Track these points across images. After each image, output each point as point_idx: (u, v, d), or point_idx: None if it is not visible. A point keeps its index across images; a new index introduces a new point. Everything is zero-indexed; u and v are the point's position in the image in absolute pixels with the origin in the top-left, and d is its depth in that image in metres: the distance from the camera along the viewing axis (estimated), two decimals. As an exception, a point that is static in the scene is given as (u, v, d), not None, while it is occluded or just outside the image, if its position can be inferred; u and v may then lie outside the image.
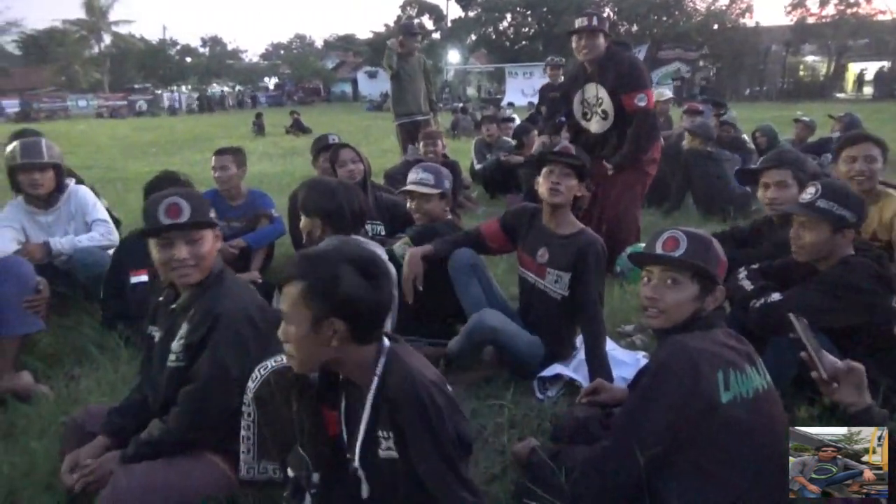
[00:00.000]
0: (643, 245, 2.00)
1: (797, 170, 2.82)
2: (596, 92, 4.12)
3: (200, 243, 1.96)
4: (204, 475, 1.92)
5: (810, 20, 34.06)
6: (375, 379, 1.54)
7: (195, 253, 1.94)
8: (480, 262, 2.94)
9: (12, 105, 33.25)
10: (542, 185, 2.76)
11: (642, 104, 3.95)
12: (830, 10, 33.35)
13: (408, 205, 3.23)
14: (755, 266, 2.56)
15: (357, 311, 1.52)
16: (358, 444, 1.57)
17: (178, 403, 1.91)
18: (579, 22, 4.03)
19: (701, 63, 34.18)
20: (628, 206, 4.19)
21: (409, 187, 3.16)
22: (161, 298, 2.12)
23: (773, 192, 2.86)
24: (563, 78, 7.79)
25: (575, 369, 2.74)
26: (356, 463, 1.58)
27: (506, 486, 2.01)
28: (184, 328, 1.98)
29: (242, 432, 1.75)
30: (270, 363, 1.69)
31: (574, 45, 4.09)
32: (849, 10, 32.63)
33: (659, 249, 1.76)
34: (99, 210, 3.73)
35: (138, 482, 1.81)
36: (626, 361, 2.86)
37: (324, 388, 1.71)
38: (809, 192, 2.33)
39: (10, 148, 3.43)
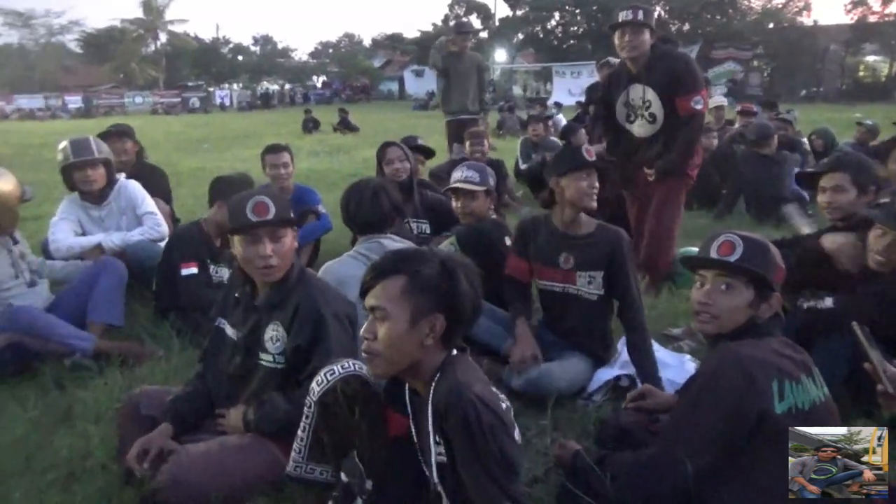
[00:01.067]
0: (695, 249, 1.96)
1: (857, 174, 2.70)
2: (643, 94, 3.78)
3: (283, 241, 2.02)
4: (259, 460, 1.97)
5: (872, 19, 32.85)
6: (432, 386, 1.54)
7: (278, 250, 2.00)
8: None
9: (75, 101, 34.56)
10: (573, 190, 2.62)
11: (699, 107, 3.64)
12: (893, 8, 32.17)
13: (453, 203, 3.21)
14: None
15: (461, 311, 1.52)
16: (433, 462, 1.55)
17: (300, 398, 1.85)
18: (623, 15, 3.68)
19: (755, 63, 33.32)
20: (673, 217, 3.89)
21: (454, 185, 3.14)
22: (237, 294, 2.19)
23: (829, 196, 2.73)
24: None
25: (621, 368, 2.72)
26: (435, 479, 1.56)
27: (549, 489, 2.00)
28: (276, 329, 2.04)
29: (298, 432, 1.77)
30: (337, 369, 1.67)
31: (617, 41, 3.75)
32: (914, 8, 31.44)
33: (714, 254, 1.71)
34: (148, 203, 3.86)
35: (199, 461, 1.89)
36: (669, 363, 2.81)
37: (393, 390, 1.71)
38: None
39: (61, 147, 3.57)
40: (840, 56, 34.14)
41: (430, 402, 1.52)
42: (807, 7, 34.47)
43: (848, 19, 34.04)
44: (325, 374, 1.69)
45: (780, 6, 34.73)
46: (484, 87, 7.09)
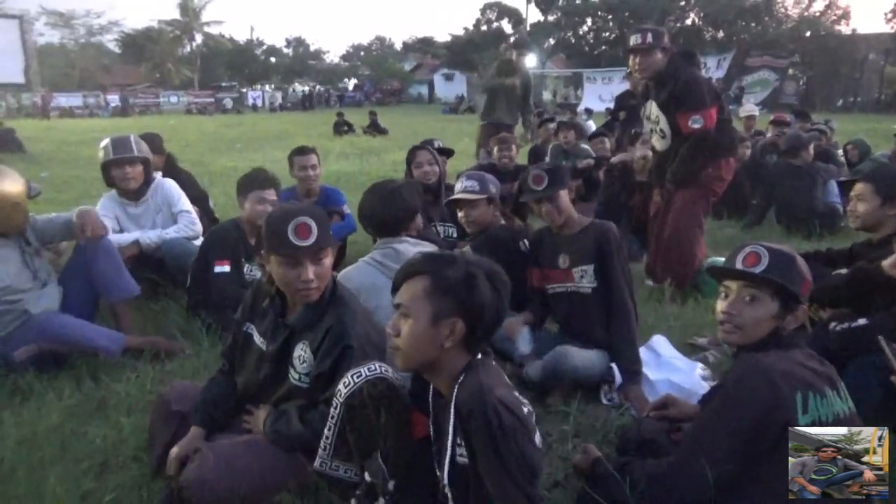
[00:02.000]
0: (722, 259, 1.96)
1: (881, 184, 2.72)
2: (654, 110, 3.90)
3: (324, 263, 1.97)
4: (283, 461, 1.99)
5: (913, 28, 32.15)
6: (456, 388, 1.56)
7: (319, 273, 1.96)
8: None
9: (113, 100, 35.37)
10: (537, 212, 2.88)
11: (697, 126, 3.65)
12: (936, 17, 31.42)
13: (458, 214, 3.24)
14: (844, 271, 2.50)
15: (481, 317, 1.56)
16: (446, 463, 1.58)
17: (315, 420, 1.93)
18: (633, 40, 3.82)
19: (790, 71, 32.77)
20: (688, 225, 3.89)
21: (454, 196, 3.19)
22: (265, 304, 2.14)
23: (852, 205, 2.82)
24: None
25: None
26: (445, 481, 1.59)
27: (569, 494, 2.02)
28: (304, 350, 2.01)
29: (325, 430, 1.79)
30: (364, 371, 1.69)
31: (630, 63, 3.90)
32: (957, 18, 30.66)
33: (739, 264, 1.71)
34: (184, 202, 3.95)
35: (224, 461, 1.91)
36: (680, 367, 2.86)
37: (417, 392, 1.75)
38: None
39: (102, 145, 3.68)
40: (879, 66, 33.41)
41: (452, 403, 1.54)
42: (846, 15, 33.85)
43: (888, 28, 33.35)
44: (351, 377, 1.71)
45: (817, 14, 34.12)
46: (529, 106, 7.21)
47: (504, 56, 6.94)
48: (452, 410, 1.55)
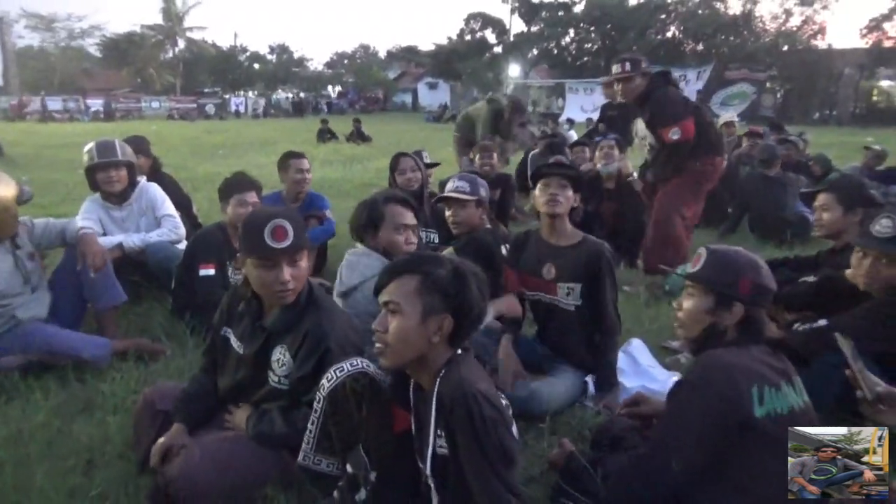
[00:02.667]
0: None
1: (842, 194, 2.87)
2: (642, 127, 4.35)
3: (300, 265, 2.03)
4: (268, 457, 2.04)
5: (887, 44, 32.82)
6: (437, 382, 1.63)
7: (296, 275, 2.01)
8: None
9: (95, 104, 35.03)
10: (539, 198, 2.81)
11: (676, 137, 4.02)
12: (909, 33, 32.16)
13: (446, 213, 3.30)
14: (811, 278, 2.62)
15: (468, 313, 1.65)
16: (428, 454, 1.64)
17: (298, 419, 1.98)
18: (615, 69, 4.22)
19: (768, 84, 33.33)
20: (669, 209, 4.19)
21: (446, 194, 3.24)
22: (241, 308, 2.18)
23: (817, 215, 3.00)
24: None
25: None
26: (428, 471, 1.65)
27: (544, 488, 2.09)
28: (283, 353, 2.05)
29: (308, 425, 1.84)
30: (346, 366, 1.76)
31: (615, 89, 4.34)
32: (930, 35, 31.40)
33: (690, 267, 1.88)
34: (168, 206, 3.99)
35: (209, 457, 1.96)
36: (658, 377, 2.94)
37: (397, 387, 1.80)
38: (886, 227, 2.34)
39: (87, 149, 3.70)
40: (854, 80, 34.10)
41: (434, 395, 1.62)
42: (822, 31, 34.47)
43: (863, 44, 34.03)
44: (334, 371, 1.77)
45: (794, 29, 34.76)
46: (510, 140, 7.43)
47: (501, 109, 7.12)
48: (434, 403, 1.62)
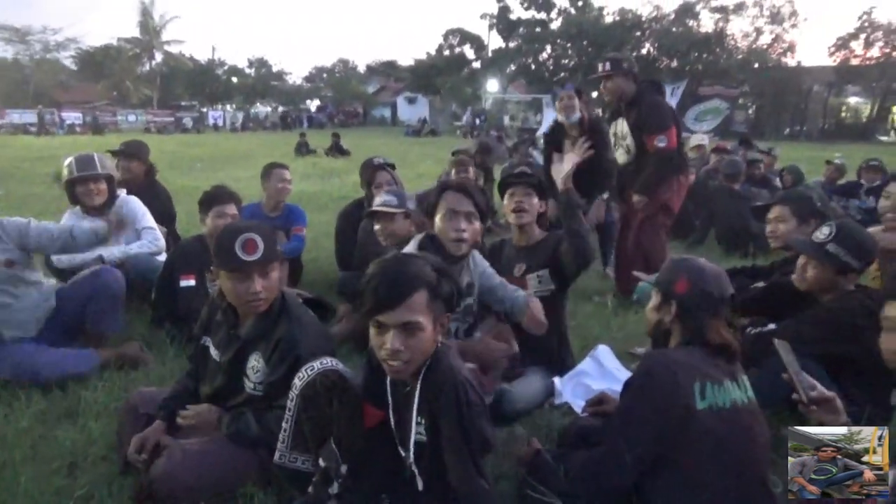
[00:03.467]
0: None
1: (797, 207, 3.03)
2: (623, 127, 4.38)
3: (271, 276, 2.13)
4: (247, 457, 2.13)
5: (854, 61, 33.78)
6: (422, 373, 1.74)
7: (267, 285, 2.11)
8: None
9: (70, 118, 34.69)
10: (507, 207, 2.99)
11: (662, 145, 4.13)
12: (875, 52, 33.11)
13: (375, 227, 3.34)
14: (762, 284, 2.77)
15: (454, 303, 1.79)
16: (411, 442, 1.76)
17: (272, 423, 2.07)
18: (598, 68, 4.37)
19: (741, 101, 34.08)
20: (651, 238, 4.32)
21: (374, 209, 3.30)
22: (219, 317, 2.28)
23: (772, 226, 3.14)
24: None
25: (574, 391, 2.95)
26: (411, 459, 1.77)
27: (513, 484, 2.20)
28: (258, 360, 2.16)
29: (283, 424, 1.93)
30: (317, 365, 1.87)
31: (600, 88, 4.45)
32: (895, 53, 32.29)
33: None
34: (148, 219, 4.06)
35: (191, 456, 2.05)
36: (621, 379, 3.02)
37: (371, 385, 1.90)
38: (823, 233, 2.52)
39: (66, 163, 3.76)
40: (823, 97, 35.03)
41: (418, 385, 1.74)
42: (791, 48, 35.32)
43: (831, 62, 34.97)
44: (306, 370, 1.89)
45: (765, 47, 35.61)
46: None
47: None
48: (418, 392, 1.74)
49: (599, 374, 3.16)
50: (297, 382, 1.87)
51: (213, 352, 2.29)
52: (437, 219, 2.65)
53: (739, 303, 2.89)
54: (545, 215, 3.06)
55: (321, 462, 1.88)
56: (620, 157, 4.50)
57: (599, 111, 8.62)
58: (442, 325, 1.75)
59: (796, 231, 3.05)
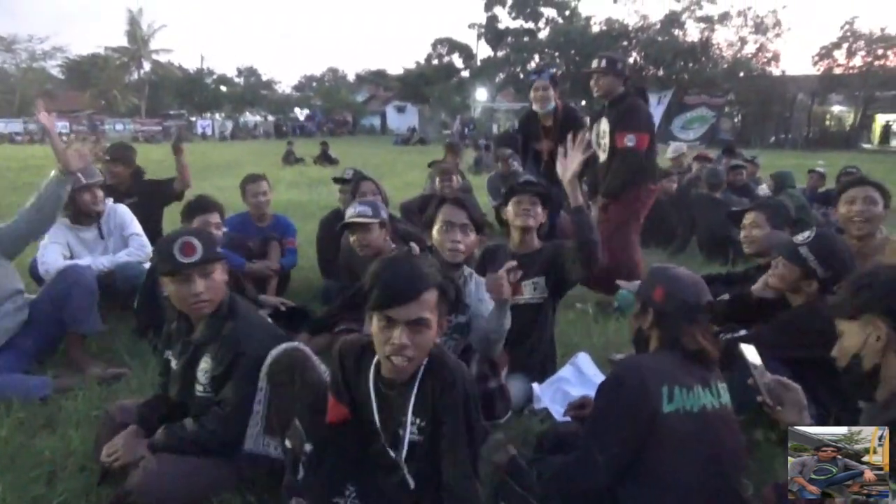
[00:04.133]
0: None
1: (771, 214, 3.10)
2: (605, 127, 4.45)
3: (213, 277, 2.18)
4: (217, 472, 2.16)
5: (837, 71, 34.18)
6: (420, 371, 1.78)
7: (209, 286, 2.16)
8: None
9: (60, 126, 34.50)
10: (512, 212, 3.09)
11: (630, 144, 4.19)
12: (858, 61, 33.49)
13: (350, 239, 3.35)
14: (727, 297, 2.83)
15: (455, 310, 1.92)
16: (405, 441, 1.79)
17: (207, 420, 2.13)
18: (594, 64, 4.45)
19: (726, 109, 34.41)
20: (621, 244, 4.32)
21: (348, 220, 3.28)
22: (174, 326, 2.33)
23: (746, 231, 3.23)
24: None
25: (553, 397, 2.99)
26: (403, 458, 1.80)
27: (488, 489, 2.21)
28: (207, 362, 2.19)
29: (255, 407, 1.97)
30: (284, 345, 1.93)
31: (591, 83, 4.48)
32: (877, 62, 32.72)
33: None
34: (135, 226, 4.09)
35: (166, 469, 2.07)
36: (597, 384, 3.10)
37: (341, 380, 1.92)
38: (803, 236, 2.59)
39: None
40: (807, 105, 35.41)
41: (416, 384, 1.78)
42: (775, 58, 35.71)
43: (815, 71, 35.37)
44: (274, 351, 1.96)
45: (749, 56, 36.00)
46: None
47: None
48: (415, 391, 1.78)
49: (579, 380, 3.19)
50: (268, 361, 1.92)
51: (174, 363, 2.33)
52: (435, 231, 2.74)
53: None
54: (545, 225, 3.17)
55: (287, 443, 1.90)
56: (601, 155, 4.55)
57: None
58: (442, 327, 1.80)
59: (769, 237, 3.11)
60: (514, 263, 2.43)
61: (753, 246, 3.17)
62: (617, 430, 1.80)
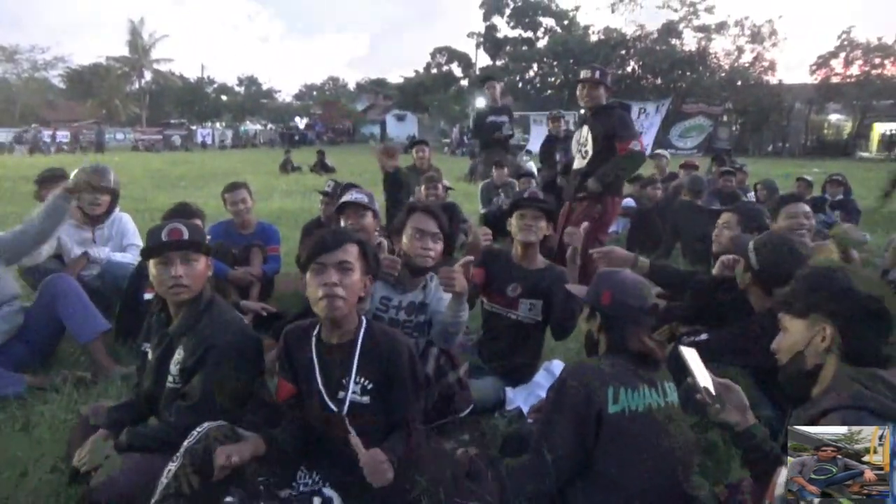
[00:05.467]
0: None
1: (744, 216, 3.17)
2: (586, 134, 4.65)
3: (195, 265, 2.22)
4: None
5: (835, 80, 34.28)
6: (361, 334, 2.07)
7: (189, 272, 2.20)
8: None
9: (61, 136, 34.62)
10: (514, 225, 3.11)
11: (636, 148, 4.48)
12: (855, 70, 33.60)
13: (342, 223, 3.38)
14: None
15: (375, 272, 2.21)
16: (347, 400, 2.04)
17: (172, 415, 2.18)
18: (584, 73, 4.63)
19: (724, 118, 34.50)
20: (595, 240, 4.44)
21: (345, 199, 3.38)
22: (153, 318, 2.38)
23: (717, 230, 3.38)
24: (563, 129, 8.47)
25: (527, 398, 3.03)
26: (345, 412, 2.04)
27: (447, 489, 2.25)
28: (180, 353, 2.23)
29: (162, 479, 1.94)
30: (206, 425, 2.02)
31: (578, 92, 4.68)
32: (874, 71, 32.82)
33: None
34: (137, 237, 4.21)
35: (130, 466, 2.09)
36: None
37: (284, 358, 2.18)
38: (760, 236, 2.69)
39: (81, 168, 3.77)
40: (805, 114, 35.51)
41: (358, 346, 2.06)
42: (772, 67, 35.86)
43: (812, 80, 35.49)
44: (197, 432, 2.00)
45: (746, 65, 36.15)
46: None
47: None
48: (358, 352, 2.03)
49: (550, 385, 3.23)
50: (186, 443, 1.97)
51: (150, 354, 2.36)
52: (405, 237, 2.78)
53: (669, 315, 3.02)
54: (550, 238, 3.22)
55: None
56: (577, 162, 4.79)
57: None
58: (366, 286, 2.07)
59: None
60: (471, 258, 2.59)
61: (721, 246, 3.24)
62: (565, 433, 1.85)
